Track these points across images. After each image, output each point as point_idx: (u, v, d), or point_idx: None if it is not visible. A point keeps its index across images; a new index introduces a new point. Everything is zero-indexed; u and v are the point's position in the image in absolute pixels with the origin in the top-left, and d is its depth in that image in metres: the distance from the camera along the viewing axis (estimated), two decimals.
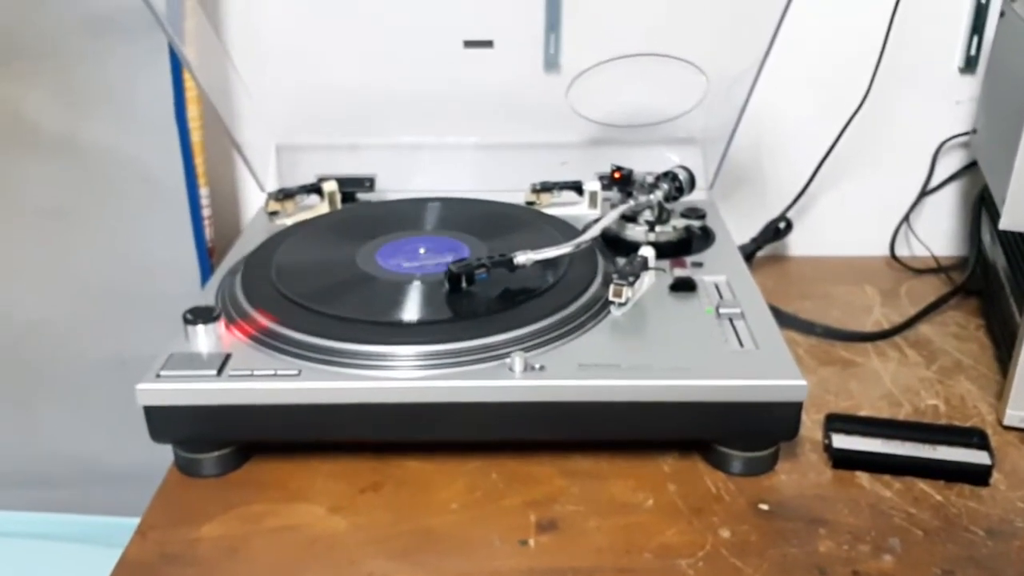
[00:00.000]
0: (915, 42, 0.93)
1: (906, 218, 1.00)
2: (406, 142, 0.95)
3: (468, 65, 0.91)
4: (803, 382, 0.62)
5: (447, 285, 0.70)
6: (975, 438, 0.68)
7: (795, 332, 0.86)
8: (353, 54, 0.90)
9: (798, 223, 1.02)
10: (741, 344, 0.67)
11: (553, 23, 0.91)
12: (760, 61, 0.79)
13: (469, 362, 0.63)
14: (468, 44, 0.85)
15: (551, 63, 0.93)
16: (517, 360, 0.62)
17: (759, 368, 0.64)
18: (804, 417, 0.72)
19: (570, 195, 0.92)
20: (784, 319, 0.87)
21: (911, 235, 1.01)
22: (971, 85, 0.95)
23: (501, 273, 0.71)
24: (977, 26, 0.92)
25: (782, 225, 0.98)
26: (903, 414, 0.74)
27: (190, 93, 0.87)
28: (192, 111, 0.86)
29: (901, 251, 1.01)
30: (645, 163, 0.92)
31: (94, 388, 0.92)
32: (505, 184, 0.93)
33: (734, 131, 0.86)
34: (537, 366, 0.63)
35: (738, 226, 0.99)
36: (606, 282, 0.73)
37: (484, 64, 0.91)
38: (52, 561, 0.89)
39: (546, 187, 0.92)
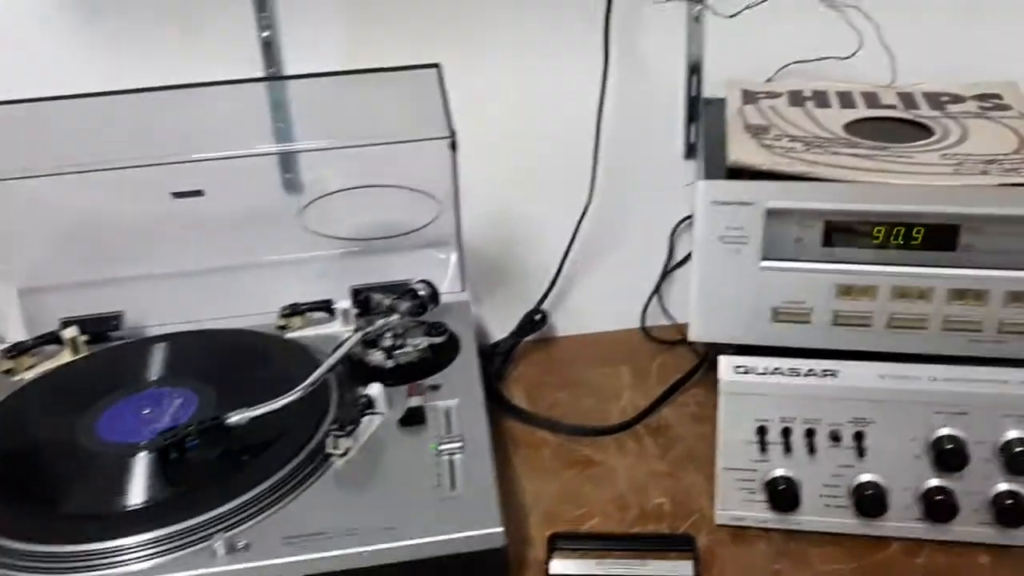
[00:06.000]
0: (641, 132, 0.98)
1: (655, 294, 1.04)
2: (152, 273, 0.94)
3: (209, 188, 0.90)
4: (500, 529, 0.65)
5: (156, 460, 0.70)
6: (684, 545, 0.72)
7: (546, 432, 0.89)
8: (85, 184, 0.87)
9: (561, 306, 1.06)
10: (454, 486, 0.69)
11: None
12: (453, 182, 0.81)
13: (175, 548, 0.64)
14: (177, 195, 0.84)
15: (290, 184, 0.94)
16: (219, 543, 0.63)
17: (462, 517, 0.66)
18: (535, 535, 0.76)
19: (323, 314, 0.93)
20: (534, 420, 0.90)
21: (664, 309, 1.06)
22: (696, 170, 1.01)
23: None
24: (693, 115, 0.97)
25: (537, 317, 1.01)
26: (630, 518, 0.78)
27: None
28: None
29: (659, 321, 1.06)
30: (402, 269, 0.94)
31: None
32: (258, 307, 0.93)
33: (459, 238, 0.89)
34: (241, 544, 0.64)
35: (503, 320, 1.03)
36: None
37: (224, 187, 0.91)
38: None
39: (295, 310, 0.92)
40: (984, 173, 0.69)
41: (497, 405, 0.92)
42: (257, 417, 0.72)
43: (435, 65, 0.70)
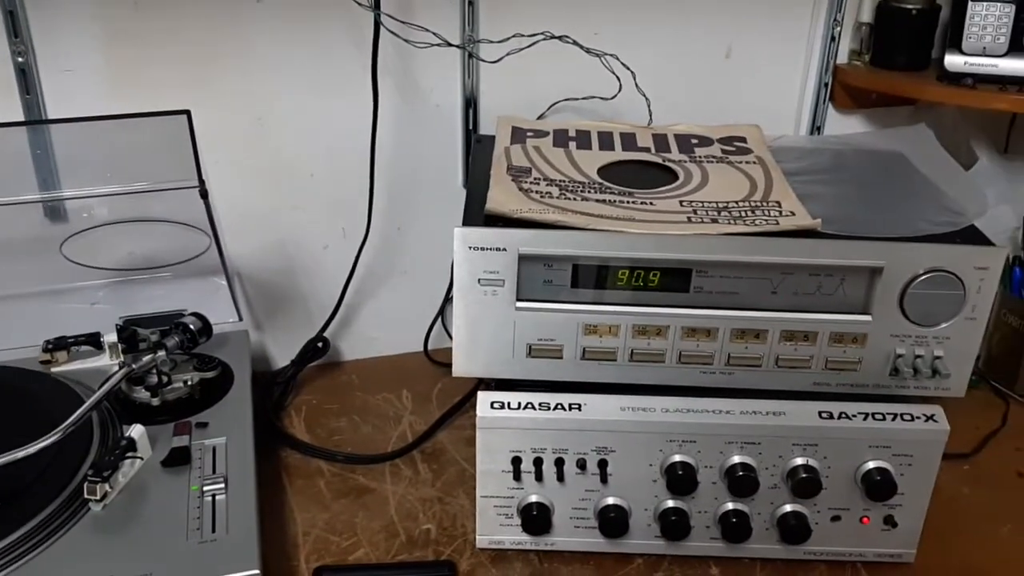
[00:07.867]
0: (424, 162, 1.01)
1: (437, 318, 1.08)
2: None
3: None
4: (256, 572, 0.66)
5: None
6: (445, 571, 0.76)
7: (322, 461, 0.91)
8: None
9: (347, 331, 1.07)
10: (214, 529, 0.70)
11: (47, 181, 0.88)
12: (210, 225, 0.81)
13: None
14: None
15: (54, 213, 0.90)
16: None
17: (220, 560, 0.67)
18: (303, 568, 0.77)
19: (90, 348, 0.90)
20: (309, 449, 0.91)
21: (447, 332, 1.09)
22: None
23: None
24: (470, 147, 1.00)
25: (319, 345, 1.02)
26: (396, 545, 0.80)
27: None
28: None
29: (444, 343, 1.09)
30: (181, 299, 0.92)
31: None
32: (20, 340, 0.89)
33: (227, 272, 0.89)
34: None
35: (288, 347, 1.03)
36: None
37: None
38: None
39: (60, 344, 0.89)
40: (714, 221, 0.76)
41: (273, 436, 0.93)
42: (8, 463, 0.70)
43: (185, 112, 0.70)
